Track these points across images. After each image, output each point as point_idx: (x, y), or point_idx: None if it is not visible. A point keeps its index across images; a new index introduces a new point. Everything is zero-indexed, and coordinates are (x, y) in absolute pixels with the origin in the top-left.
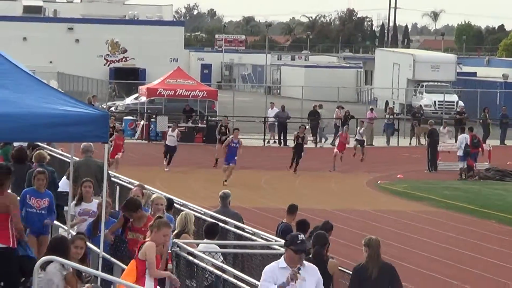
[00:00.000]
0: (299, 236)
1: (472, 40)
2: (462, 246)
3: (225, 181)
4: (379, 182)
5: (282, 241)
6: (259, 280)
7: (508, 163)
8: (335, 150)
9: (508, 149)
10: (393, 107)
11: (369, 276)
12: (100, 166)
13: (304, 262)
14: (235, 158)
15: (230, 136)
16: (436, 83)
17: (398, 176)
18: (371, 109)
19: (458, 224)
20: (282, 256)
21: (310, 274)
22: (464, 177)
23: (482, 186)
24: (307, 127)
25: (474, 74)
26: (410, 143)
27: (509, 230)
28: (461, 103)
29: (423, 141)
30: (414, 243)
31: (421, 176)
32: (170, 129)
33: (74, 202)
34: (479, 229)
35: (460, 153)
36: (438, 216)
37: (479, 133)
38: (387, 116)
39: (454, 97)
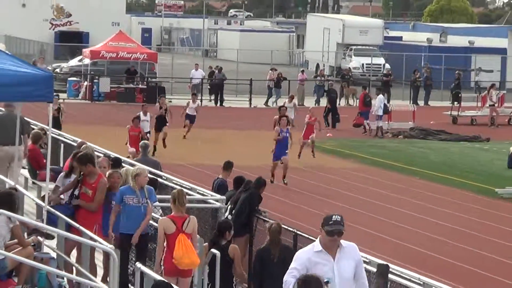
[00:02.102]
0: (334, 216)
1: (398, 6)
2: (385, 200)
3: (284, 181)
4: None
5: (217, 196)
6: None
7: (431, 122)
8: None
9: (431, 109)
10: (324, 69)
11: (272, 258)
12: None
13: (342, 242)
14: (287, 151)
15: (278, 127)
16: (364, 47)
17: (328, 135)
18: (302, 71)
19: (385, 181)
20: (318, 238)
21: (348, 256)
22: (380, 135)
23: (407, 145)
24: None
25: (400, 38)
26: (339, 104)
27: (433, 186)
28: (387, 65)
29: (352, 101)
30: (345, 199)
31: (349, 134)
32: (191, 100)
33: (63, 174)
34: (406, 185)
35: (379, 112)
36: (367, 172)
37: (406, 94)
38: (318, 77)
39: (381, 60)
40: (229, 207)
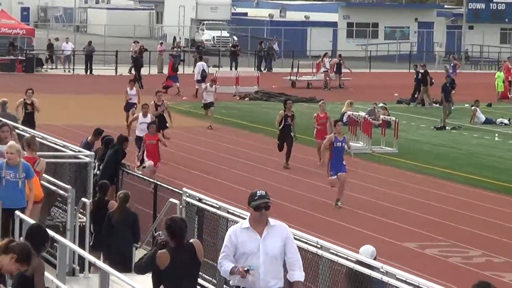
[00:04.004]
0: (258, 192)
1: None
2: (232, 153)
3: (339, 203)
4: (168, 103)
5: (87, 152)
6: (65, 182)
7: (273, 86)
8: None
9: (273, 75)
10: (180, 41)
11: (117, 219)
12: None
13: (271, 221)
14: (345, 163)
15: (332, 135)
16: (214, 22)
17: (184, 98)
18: (161, 43)
19: (234, 137)
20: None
21: (275, 234)
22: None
23: (253, 106)
24: None
25: (246, 14)
26: (193, 71)
27: (274, 141)
28: (235, 38)
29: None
30: (202, 154)
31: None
32: (209, 84)
33: None
34: (252, 141)
35: (197, 77)
36: (218, 131)
37: (251, 62)
38: (175, 49)
39: (229, 33)
40: (97, 163)
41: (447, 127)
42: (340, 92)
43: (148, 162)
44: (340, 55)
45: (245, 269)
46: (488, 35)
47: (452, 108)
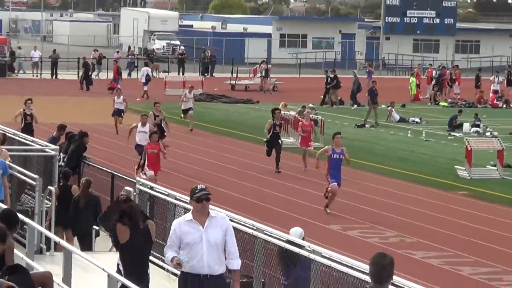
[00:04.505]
0: (198, 186)
1: (189, 1)
2: (177, 145)
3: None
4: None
5: (52, 146)
6: (34, 172)
7: (215, 89)
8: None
9: (215, 80)
10: (134, 49)
11: (82, 204)
12: None
13: (212, 212)
14: (341, 174)
15: (329, 146)
16: (164, 33)
17: (137, 99)
18: (117, 51)
19: (177, 132)
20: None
21: (216, 225)
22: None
23: (197, 106)
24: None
25: (192, 26)
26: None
27: (217, 137)
28: (182, 47)
29: (155, 74)
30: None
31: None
32: (187, 90)
33: None
34: (196, 136)
35: (142, 80)
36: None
37: (196, 68)
38: (129, 56)
39: (177, 42)
40: (61, 156)
41: (366, 125)
42: (274, 94)
43: (149, 172)
44: (265, 61)
45: (178, 262)
46: (402, 45)
47: (378, 108)
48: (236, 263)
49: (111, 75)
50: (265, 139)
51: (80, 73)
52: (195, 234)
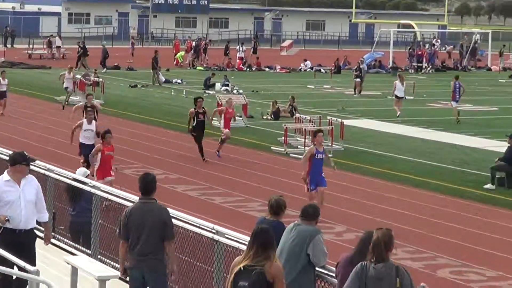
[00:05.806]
0: (17, 151)
1: None
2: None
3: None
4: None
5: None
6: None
7: (15, 58)
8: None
9: (16, 50)
10: None
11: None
12: None
13: (27, 176)
14: (324, 176)
15: (313, 146)
16: None
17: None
18: None
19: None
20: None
21: (30, 185)
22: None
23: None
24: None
25: None
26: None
27: (35, 100)
28: None
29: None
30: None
31: None
32: (67, 71)
33: None
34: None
35: None
36: None
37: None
38: None
39: None
40: None
41: (138, 85)
42: (62, 61)
43: (109, 178)
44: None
45: (6, 218)
46: (167, 21)
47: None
48: (46, 216)
49: None
50: (190, 128)
51: None
52: (14, 192)
